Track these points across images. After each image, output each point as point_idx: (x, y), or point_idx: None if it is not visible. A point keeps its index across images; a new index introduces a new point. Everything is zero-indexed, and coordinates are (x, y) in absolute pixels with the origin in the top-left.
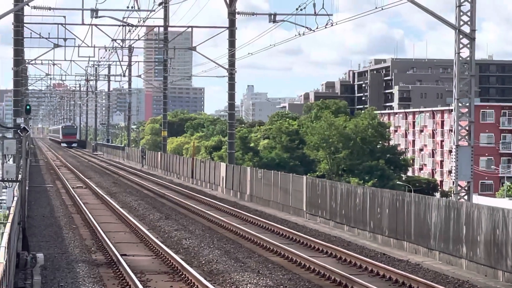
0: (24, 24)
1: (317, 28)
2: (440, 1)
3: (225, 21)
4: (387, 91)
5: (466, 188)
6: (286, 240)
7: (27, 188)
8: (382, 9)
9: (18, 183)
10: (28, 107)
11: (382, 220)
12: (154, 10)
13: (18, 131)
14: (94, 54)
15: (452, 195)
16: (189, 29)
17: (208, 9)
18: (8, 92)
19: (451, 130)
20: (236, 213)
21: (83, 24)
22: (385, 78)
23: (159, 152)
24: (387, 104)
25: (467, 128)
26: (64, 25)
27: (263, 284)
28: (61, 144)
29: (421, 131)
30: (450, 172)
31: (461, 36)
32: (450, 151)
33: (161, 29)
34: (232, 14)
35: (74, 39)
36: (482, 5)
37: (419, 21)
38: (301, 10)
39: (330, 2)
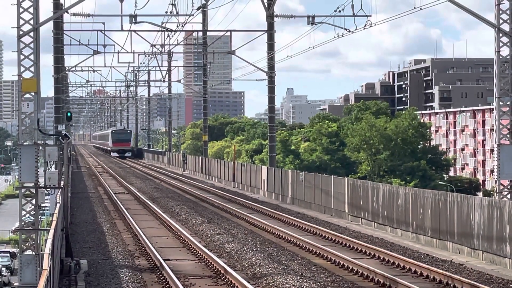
0: (64, 31)
1: (356, 29)
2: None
3: (261, 25)
4: (427, 91)
5: (508, 187)
6: (329, 242)
7: (69, 194)
8: (420, 8)
9: (60, 190)
10: (69, 114)
11: (425, 220)
12: (192, 15)
13: (60, 138)
14: (133, 60)
15: (495, 194)
16: (228, 33)
17: (244, 13)
18: (49, 99)
19: (493, 129)
20: (278, 216)
21: (122, 30)
22: (425, 79)
23: (200, 157)
24: (428, 104)
25: (508, 126)
26: (103, 32)
27: (306, 287)
28: (111, 153)
29: (462, 130)
30: (492, 171)
31: (500, 35)
32: (492, 150)
33: (200, 33)
34: (270, 17)
35: (114, 45)
36: None
37: (455, 20)
38: (339, 11)
39: (367, 4)
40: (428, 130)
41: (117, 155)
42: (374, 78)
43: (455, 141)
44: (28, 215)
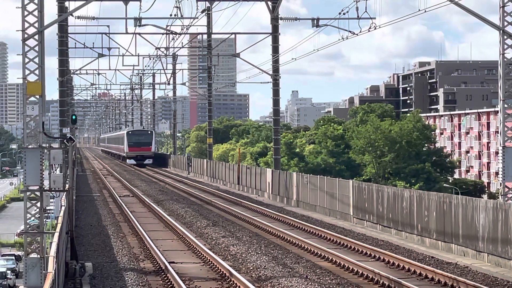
0: (69, 34)
1: (360, 32)
2: (477, 2)
3: (264, 28)
4: (432, 93)
5: None
6: (334, 245)
7: (74, 197)
8: (425, 11)
9: (65, 193)
10: (74, 117)
11: (430, 223)
12: (197, 18)
13: (65, 141)
14: (138, 62)
15: (500, 196)
16: (232, 36)
17: (247, 16)
18: (53, 103)
19: (497, 132)
20: (283, 218)
21: (127, 33)
22: (429, 81)
23: (205, 159)
24: (432, 106)
25: None
26: (108, 35)
27: None
28: (127, 160)
29: (467, 133)
30: (497, 173)
31: (505, 37)
32: (497, 153)
33: (205, 36)
34: (275, 20)
35: (118, 48)
36: None
37: (458, 22)
38: (344, 14)
39: (371, 6)
40: (433, 132)
41: (134, 162)
42: (377, 81)
43: (459, 143)
44: (33, 218)
